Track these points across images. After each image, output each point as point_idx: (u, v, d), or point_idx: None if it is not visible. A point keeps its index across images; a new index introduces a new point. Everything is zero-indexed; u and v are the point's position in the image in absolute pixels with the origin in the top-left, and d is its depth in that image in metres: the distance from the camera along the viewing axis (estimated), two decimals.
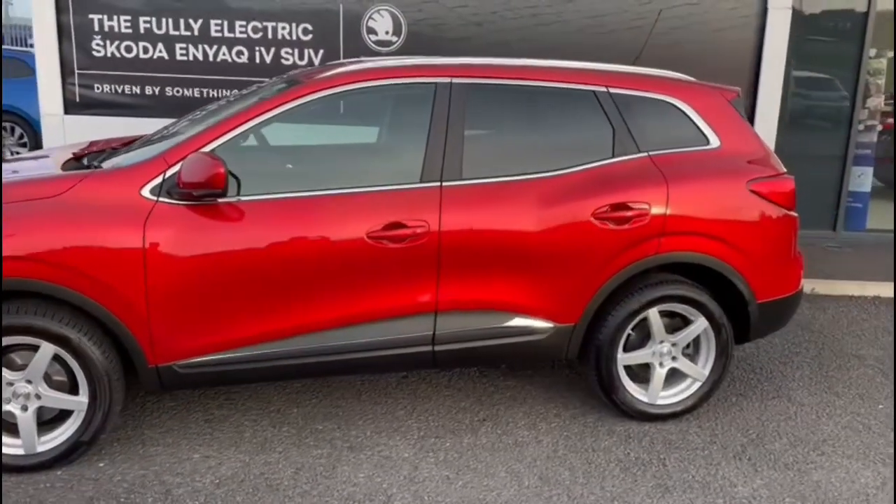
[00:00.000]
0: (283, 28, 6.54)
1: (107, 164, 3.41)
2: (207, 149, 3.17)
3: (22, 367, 3.09)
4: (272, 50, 6.56)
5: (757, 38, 6.54)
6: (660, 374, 3.72)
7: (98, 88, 6.62)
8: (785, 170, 3.86)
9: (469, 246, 3.36)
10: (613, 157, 3.57)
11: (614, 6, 6.49)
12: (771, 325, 3.92)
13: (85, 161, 3.62)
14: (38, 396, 3.12)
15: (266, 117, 3.28)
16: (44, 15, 6.48)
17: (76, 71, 6.58)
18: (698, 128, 3.69)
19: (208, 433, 3.53)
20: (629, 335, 3.68)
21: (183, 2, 6.47)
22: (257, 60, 6.52)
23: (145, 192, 3.11)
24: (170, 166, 3.13)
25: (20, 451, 3.14)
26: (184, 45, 6.58)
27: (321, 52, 6.56)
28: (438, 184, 3.35)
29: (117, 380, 3.18)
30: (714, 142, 3.70)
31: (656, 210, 3.50)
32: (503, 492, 3.17)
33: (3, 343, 3.02)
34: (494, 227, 3.38)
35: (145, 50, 6.57)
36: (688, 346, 3.80)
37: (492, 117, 3.56)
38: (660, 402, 3.75)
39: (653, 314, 3.63)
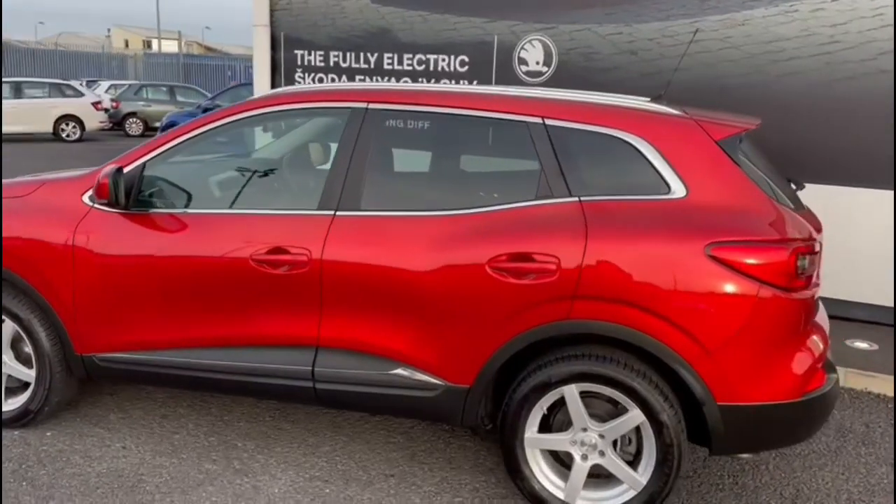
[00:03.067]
0: (443, 60, 6.68)
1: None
2: (137, 163, 3.44)
3: None
4: (432, 80, 6.73)
5: None
6: (581, 468, 3.02)
7: None
8: (797, 236, 2.86)
9: (351, 281, 3.12)
10: (536, 199, 3.01)
11: (797, 29, 5.37)
12: (755, 439, 2.93)
13: None
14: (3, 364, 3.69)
15: (190, 136, 3.45)
16: (261, 52, 7.53)
17: None
18: (657, 171, 2.93)
19: (150, 428, 3.79)
20: (550, 413, 3.07)
21: (364, 38, 7.00)
22: None
23: (85, 198, 3.49)
24: None
25: None
26: (362, 77, 7.11)
27: (475, 82, 6.55)
28: (332, 213, 3.18)
29: (58, 361, 3.60)
30: (678, 190, 2.90)
31: (567, 266, 2.87)
32: None
33: None
34: (379, 264, 3.09)
35: (332, 80, 7.24)
36: (630, 442, 3.03)
37: (405, 147, 3.26)
38: (580, 503, 3.04)
39: (569, 393, 2.97)
